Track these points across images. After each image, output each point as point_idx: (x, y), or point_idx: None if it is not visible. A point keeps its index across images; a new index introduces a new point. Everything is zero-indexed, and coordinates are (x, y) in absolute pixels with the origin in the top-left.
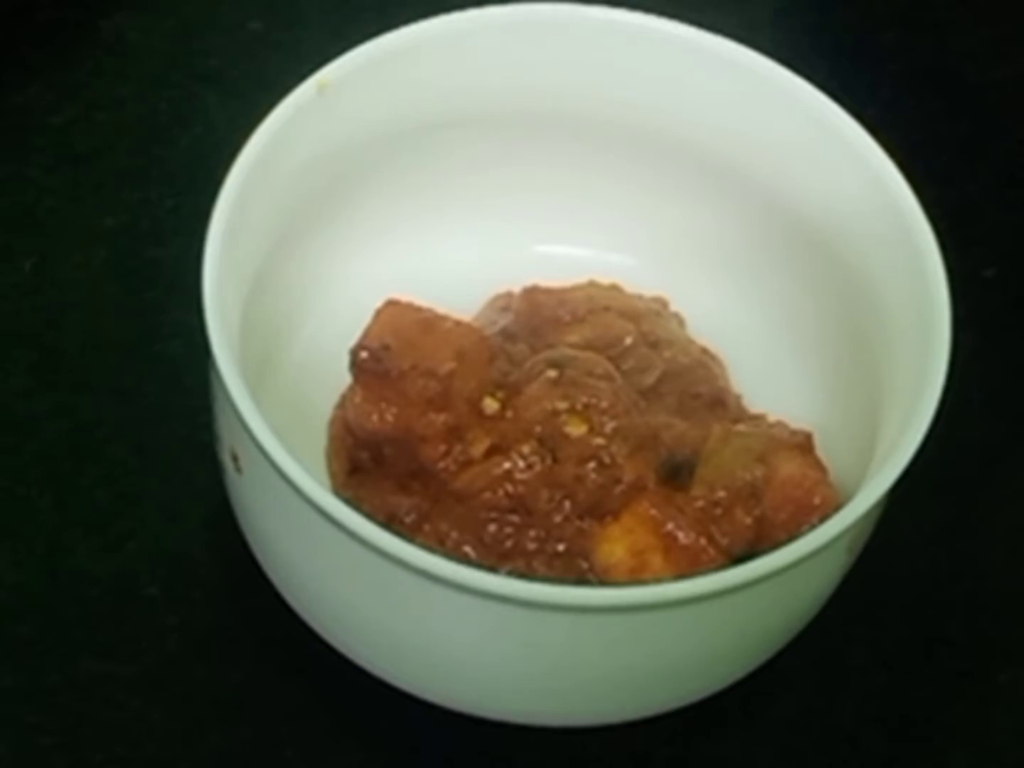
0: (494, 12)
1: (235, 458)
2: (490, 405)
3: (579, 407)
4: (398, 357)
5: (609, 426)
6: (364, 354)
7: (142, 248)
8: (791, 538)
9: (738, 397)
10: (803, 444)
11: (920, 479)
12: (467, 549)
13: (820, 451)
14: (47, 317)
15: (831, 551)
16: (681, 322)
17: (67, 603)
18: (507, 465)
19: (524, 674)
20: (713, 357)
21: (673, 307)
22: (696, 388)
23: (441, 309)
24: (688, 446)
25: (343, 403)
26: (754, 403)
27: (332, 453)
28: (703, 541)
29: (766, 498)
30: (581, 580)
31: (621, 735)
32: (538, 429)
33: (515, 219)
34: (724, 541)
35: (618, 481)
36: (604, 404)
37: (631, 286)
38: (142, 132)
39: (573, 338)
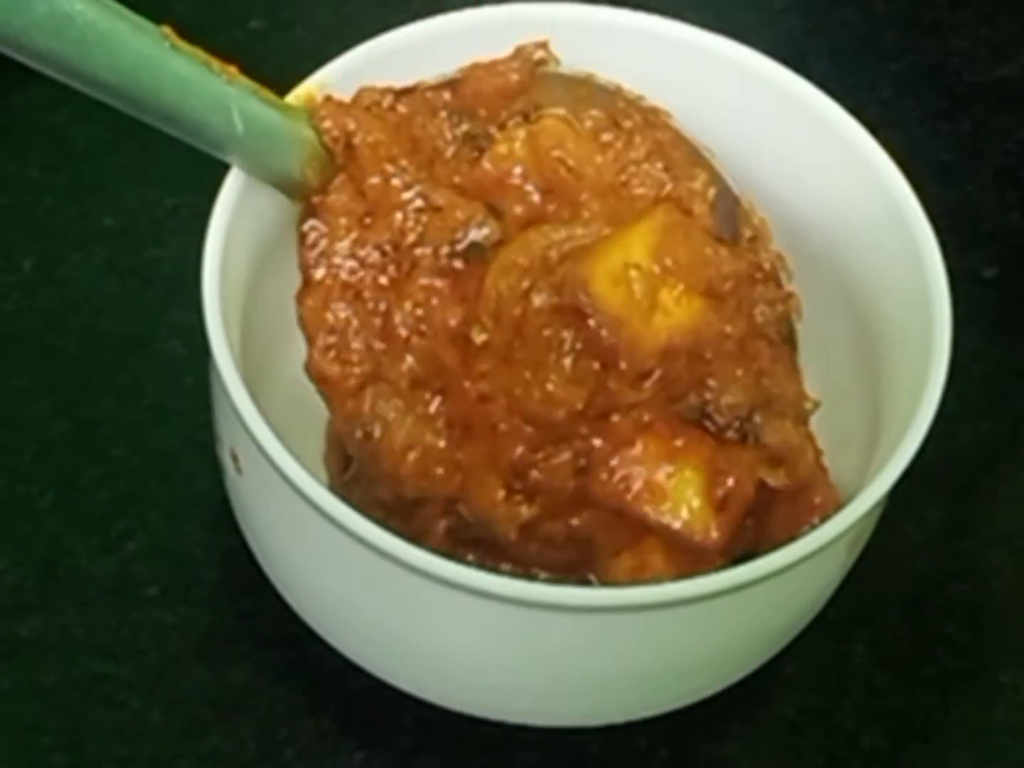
0: (494, 12)
1: (235, 458)
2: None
3: None
4: None
5: None
6: None
7: (142, 248)
8: (791, 538)
9: None
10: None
11: (920, 479)
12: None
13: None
14: (47, 317)
15: (831, 551)
16: None
17: (67, 603)
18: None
19: (524, 674)
20: None
21: None
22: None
23: None
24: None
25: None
26: None
27: (329, 452)
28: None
29: (766, 499)
30: (582, 581)
31: (621, 735)
32: None
33: None
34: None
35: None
36: None
37: None
38: (142, 132)
39: None
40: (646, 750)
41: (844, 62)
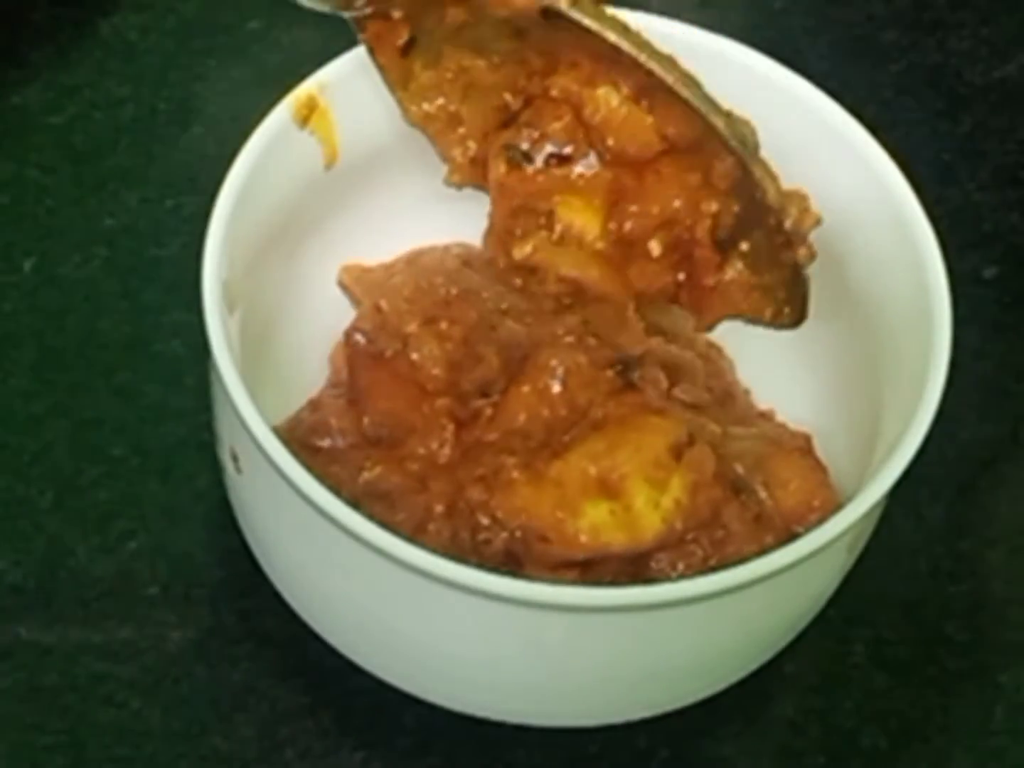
0: None
1: (235, 458)
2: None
3: None
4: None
5: None
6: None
7: (142, 248)
8: (791, 538)
9: (746, 392)
10: (803, 446)
11: (920, 479)
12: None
13: (820, 451)
14: (47, 317)
15: (831, 551)
16: (687, 317)
17: (67, 603)
18: None
19: (524, 674)
20: (719, 351)
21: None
22: (706, 382)
23: None
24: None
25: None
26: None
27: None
28: None
29: (767, 500)
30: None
31: (621, 735)
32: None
33: None
34: None
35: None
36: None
37: None
38: (142, 132)
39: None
40: (646, 750)
41: (844, 62)
